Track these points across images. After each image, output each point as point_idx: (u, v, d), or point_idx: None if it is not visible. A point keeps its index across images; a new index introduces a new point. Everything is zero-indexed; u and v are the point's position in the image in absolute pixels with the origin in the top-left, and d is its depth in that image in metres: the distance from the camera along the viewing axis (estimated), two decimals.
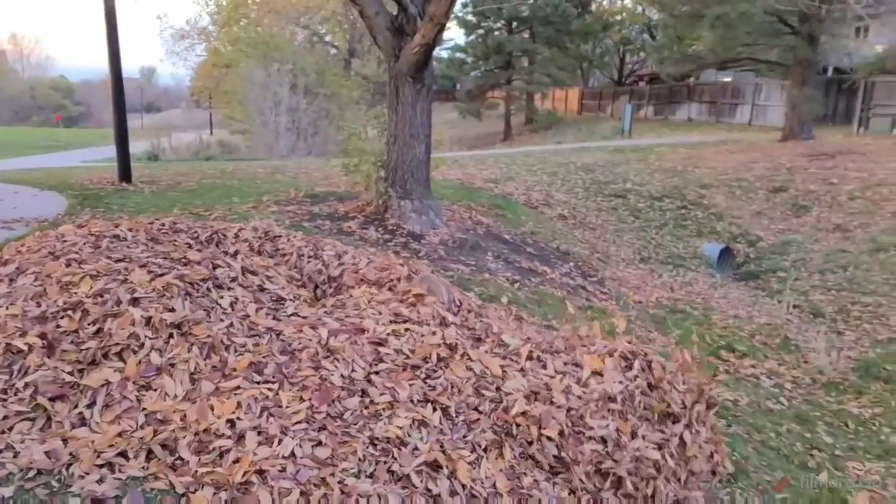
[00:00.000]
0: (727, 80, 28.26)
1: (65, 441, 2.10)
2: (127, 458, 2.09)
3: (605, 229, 10.75)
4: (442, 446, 2.48)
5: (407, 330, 3.06)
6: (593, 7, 35.13)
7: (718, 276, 9.89)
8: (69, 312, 2.50)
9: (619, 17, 37.26)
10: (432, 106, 7.95)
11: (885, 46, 20.36)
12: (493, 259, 6.93)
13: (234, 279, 3.11)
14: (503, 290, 5.88)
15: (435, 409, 2.65)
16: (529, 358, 3.22)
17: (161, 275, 2.82)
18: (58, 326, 2.44)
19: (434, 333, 3.09)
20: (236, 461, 2.11)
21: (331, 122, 22.52)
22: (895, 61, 18.62)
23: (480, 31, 32.99)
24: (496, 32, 32.65)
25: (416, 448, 2.44)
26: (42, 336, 2.37)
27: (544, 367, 3.18)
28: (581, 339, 3.72)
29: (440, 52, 34.57)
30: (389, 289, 3.74)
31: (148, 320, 2.54)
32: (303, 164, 13.52)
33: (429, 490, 2.29)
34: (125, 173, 9.00)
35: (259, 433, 2.24)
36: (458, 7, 29.79)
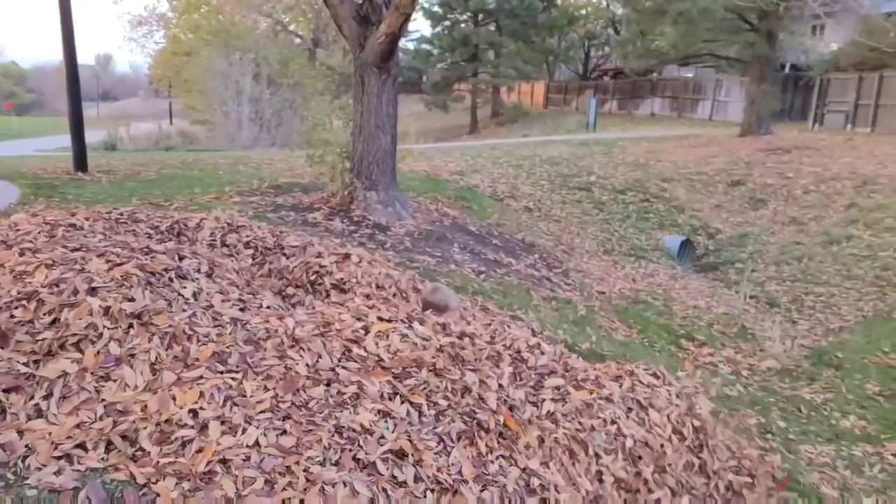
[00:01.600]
0: (689, 75, 28.78)
1: (20, 433, 2.05)
2: (86, 449, 2.04)
3: (569, 221, 10.88)
4: (409, 436, 2.49)
5: (394, 330, 2.97)
6: (559, 1, 35.33)
7: (679, 267, 10.11)
8: (24, 302, 2.43)
9: (584, 12, 37.58)
10: (398, 97, 7.91)
11: (839, 45, 20.99)
12: (459, 250, 6.95)
13: (197, 269, 3.06)
14: (469, 281, 5.91)
15: (403, 402, 2.65)
16: (556, 397, 2.90)
17: (120, 264, 2.75)
18: (12, 316, 2.37)
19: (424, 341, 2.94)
20: (199, 451, 2.09)
21: (295, 113, 22.22)
22: (849, 59, 19.21)
23: (446, 23, 32.90)
24: (462, 24, 32.61)
25: (382, 437, 2.44)
26: None
27: (569, 416, 2.85)
28: (633, 384, 3.29)
29: (406, 44, 34.43)
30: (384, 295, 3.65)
31: (106, 310, 2.48)
32: (266, 154, 13.35)
33: (394, 477, 2.30)
34: (81, 162, 8.75)
35: (222, 423, 2.21)
36: None
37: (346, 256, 4.30)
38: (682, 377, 3.53)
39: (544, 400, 2.93)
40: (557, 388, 3.03)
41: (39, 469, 1.94)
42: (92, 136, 14.40)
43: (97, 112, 43.92)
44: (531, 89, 38.60)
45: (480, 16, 32.21)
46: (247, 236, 4.22)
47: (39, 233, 3.04)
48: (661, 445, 2.93)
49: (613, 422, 2.94)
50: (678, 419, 3.13)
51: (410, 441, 2.45)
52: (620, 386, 3.25)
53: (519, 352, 3.27)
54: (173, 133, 24.62)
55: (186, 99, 28.44)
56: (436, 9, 32.27)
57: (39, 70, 64.08)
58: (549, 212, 10.98)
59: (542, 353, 3.30)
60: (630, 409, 3.08)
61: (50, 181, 8.01)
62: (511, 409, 2.79)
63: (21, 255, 2.73)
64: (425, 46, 34.69)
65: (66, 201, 6.70)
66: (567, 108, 34.60)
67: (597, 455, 2.75)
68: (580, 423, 2.87)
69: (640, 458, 2.85)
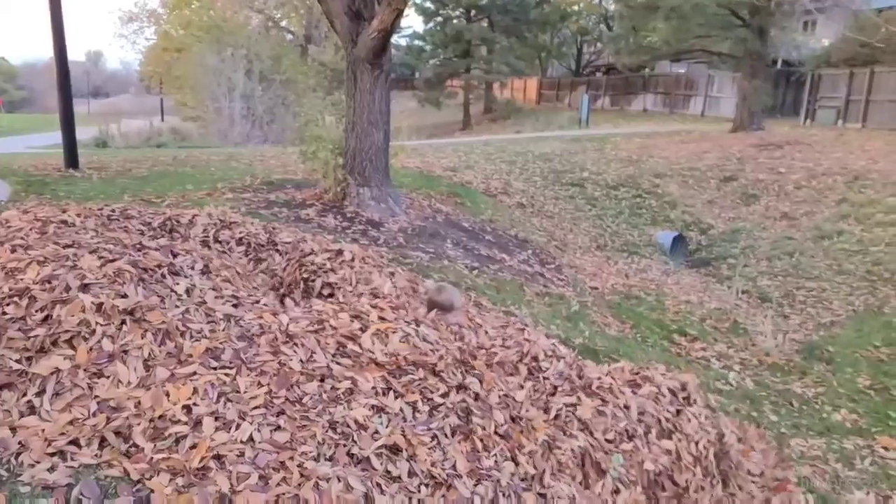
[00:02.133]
0: (681, 71, 28.85)
1: (13, 430, 2.04)
2: (79, 446, 2.04)
3: (562, 217, 10.90)
4: (403, 431, 2.50)
5: (394, 331, 2.95)
6: None
7: (671, 263, 10.15)
8: (15, 299, 2.42)
9: (576, 8, 37.58)
10: (391, 94, 7.90)
11: (831, 40, 21.08)
12: (453, 246, 6.96)
13: (190, 266, 3.05)
14: (462, 277, 5.92)
15: (397, 398, 2.65)
16: (568, 405, 2.81)
17: (112, 260, 2.75)
18: (4, 313, 2.36)
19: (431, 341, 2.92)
20: (193, 447, 2.09)
21: (287, 110, 22.15)
22: (840, 55, 19.29)
23: (439, 19, 32.87)
24: (454, 20, 32.58)
25: (376, 432, 2.45)
26: None
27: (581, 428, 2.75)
28: (651, 393, 3.12)
29: (398, 40, 34.39)
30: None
31: (99, 306, 2.47)
32: (258, 151, 13.30)
33: (388, 472, 2.31)
34: (72, 159, 8.70)
35: (216, 419, 2.21)
36: None
37: (339, 253, 4.29)
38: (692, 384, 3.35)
39: (551, 407, 2.89)
40: (569, 397, 2.97)
41: (32, 466, 1.94)
42: (83, 133, 14.31)
43: (88, 109, 43.56)
44: (524, 86, 38.60)
45: (473, 12, 32.18)
46: (240, 233, 4.21)
47: (31, 229, 3.03)
48: (687, 481, 2.81)
49: (630, 437, 2.85)
50: (705, 447, 2.99)
51: (405, 436, 2.46)
52: (635, 392, 3.15)
53: (536, 358, 3.19)
54: (165, 130, 24.48)
55: (178, 95, 28.28)
56: (428, 4, 32.22)
57: (29, 67, 63.49)
58: (542, 208, 11.00)
59: (559, 359, 3.22)
60: (649, 430, 2.95)
61: (41, 178, 7.96)
62: (514, 419, 2.76)
63: (13, 251, 2.71)
64: (418, 42, 34.65)
65: (57, 198, 6.66)
66: (559, 104, 34.61)
67: (612, 477, 2.67)
68: (595, 437, 2.79)
69: (662, 489, 2.76)
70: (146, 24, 35.55)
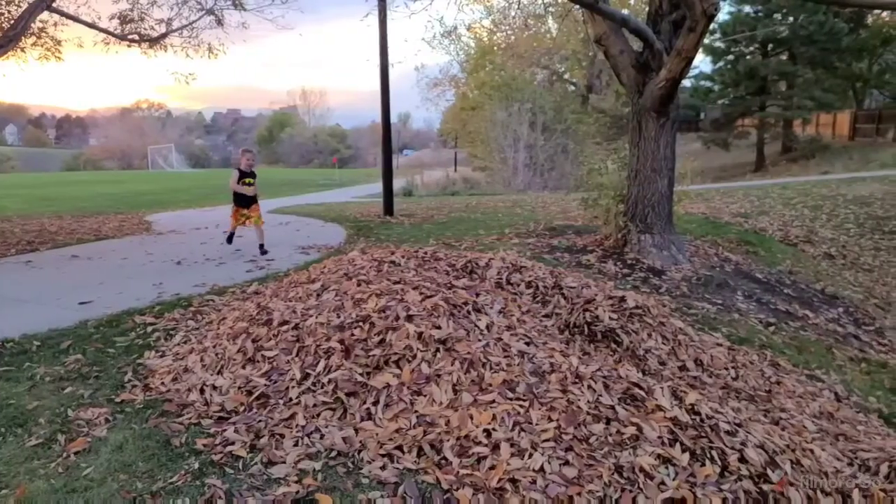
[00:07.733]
0: None
1: (356, 430, 2.52)
2: (402, 451, 2.43)
3: (884, 271, 9.33)
4: (691, 486, 2.44)
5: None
6: (869, 20, 30.85)
7: None
8: (360, 324, 2.99)
9: None
10: None
11: None
12: (743, 299, 6.47)
13: (490, 305, 3.40)
14: (756, 332, 5.47)
15: (685, 451, 2.61)
16: None
17: (430, 296, 3.21)
18: (352, 335, 2.93)
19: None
20: (492, 468, 2.33)
21: (566, 157, 22.91)
22: None
23: (730, 57, 30.93)
24: (748, 57, 30.34)
25: (662, 482, 2.44)
26: (341, 342, 2.87)
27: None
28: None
29: (684, 82, 33.09)
30: None
31: (419, 335, 2.92)
32: (540, 198, 13.96)
33: None
34: (388, 208, 10.22)
35: (512, 445, 2.44)
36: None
37: (622, 300, 4.34)
38: None
39: None
40: None
41: (369, 462, 2.37)
42: (393, 184, 16.63)
43: (396, 163, 50.55)
44: (832, 120, 34.05)
45: (770, 46, 29.65)
46: (529, 276, 4.53)
47: (370, 267, 3.70)
48: None
49: None
50: None
51: (692, 490, 2.40)
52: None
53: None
54: (458, 179, 27.15)
55: (470, 148, 31.11)
56: (718, 44, 30.58)
57: (356, 130, 76.54)
58: (857, 259, 9.56)
59: None
60: None
61: (366, 223, 9.50)
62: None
63: (358, 285, 3.35)
64: (704, 83, 32.99)
65: (379, 240, 7.88)
66: (880, 139, 29.69)
67: None
68: None
69: None
70: (448, 87, 39.99)
